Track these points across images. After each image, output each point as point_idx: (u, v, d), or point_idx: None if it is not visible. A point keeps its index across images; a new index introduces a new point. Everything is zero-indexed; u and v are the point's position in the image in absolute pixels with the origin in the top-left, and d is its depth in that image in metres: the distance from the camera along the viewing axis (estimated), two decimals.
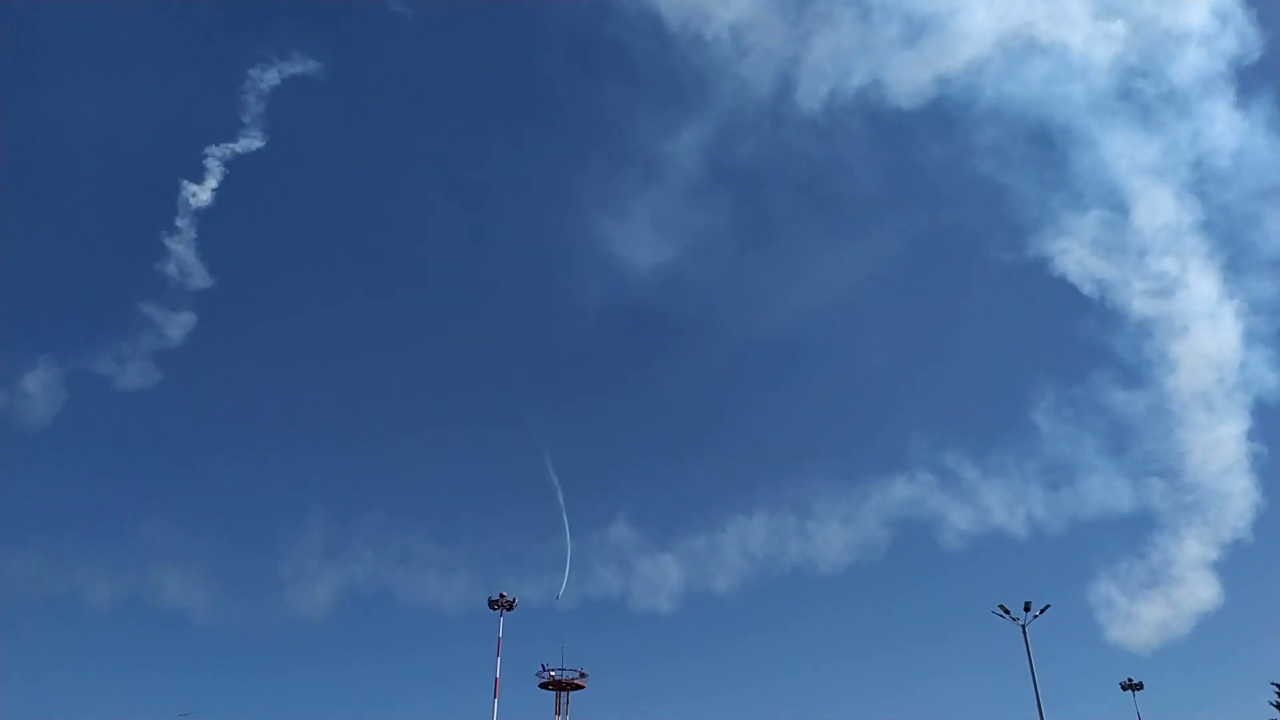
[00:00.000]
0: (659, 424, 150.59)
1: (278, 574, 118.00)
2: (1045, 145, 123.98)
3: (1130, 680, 66.33)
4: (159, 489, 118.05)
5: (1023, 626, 46.15)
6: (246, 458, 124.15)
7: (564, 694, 70.67)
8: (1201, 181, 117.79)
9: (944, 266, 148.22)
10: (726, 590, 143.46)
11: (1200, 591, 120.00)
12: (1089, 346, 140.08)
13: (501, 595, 67.75)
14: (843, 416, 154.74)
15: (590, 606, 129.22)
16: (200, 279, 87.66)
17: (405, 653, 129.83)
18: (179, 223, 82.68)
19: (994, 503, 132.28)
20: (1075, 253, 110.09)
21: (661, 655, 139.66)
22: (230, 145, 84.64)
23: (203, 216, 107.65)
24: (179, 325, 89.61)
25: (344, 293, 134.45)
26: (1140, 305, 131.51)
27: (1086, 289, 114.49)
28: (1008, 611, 46.97)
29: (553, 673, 70.50)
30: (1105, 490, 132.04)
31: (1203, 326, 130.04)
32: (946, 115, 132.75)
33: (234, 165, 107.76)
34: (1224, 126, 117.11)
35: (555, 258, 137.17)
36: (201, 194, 79.86)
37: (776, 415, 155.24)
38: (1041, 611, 46.67)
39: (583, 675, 71.55)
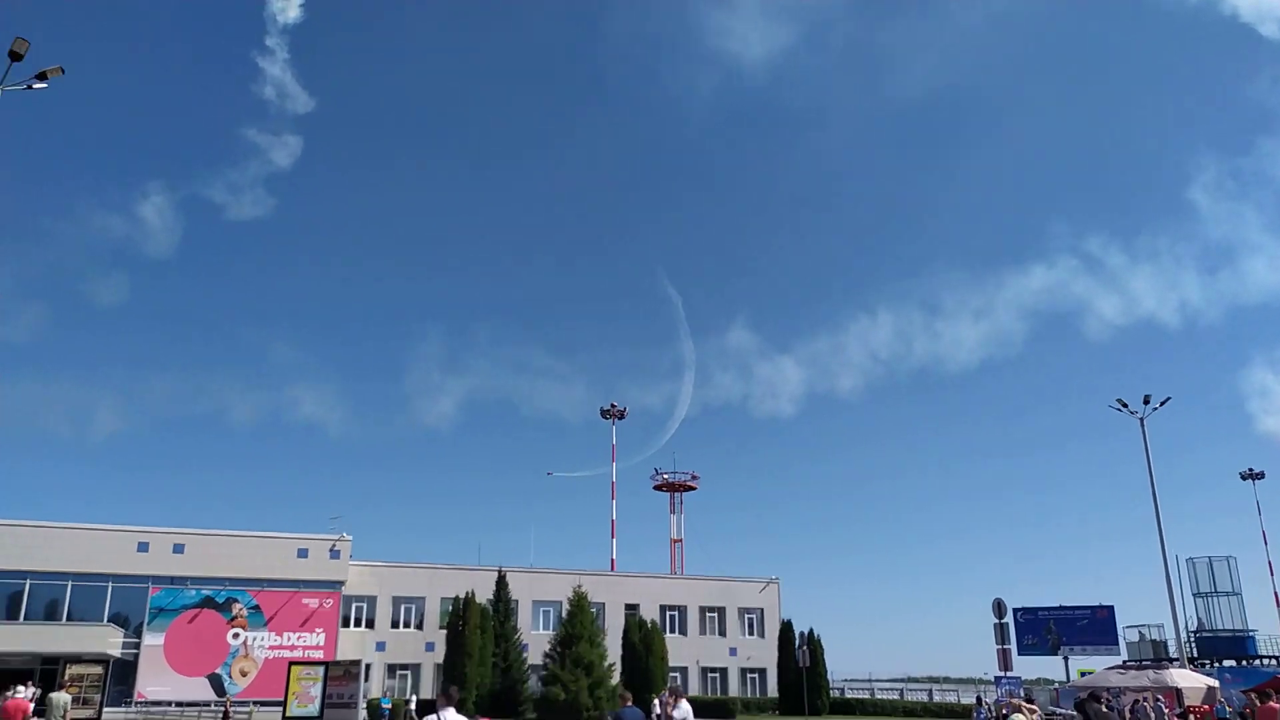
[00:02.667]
0: (775, 223, 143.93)
1: (403, 387, 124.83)
2: None
3: (1250, 470, 64.73)
4: (285, 312, 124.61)
5: (1140, 420, 45.23)
6: (364, 277, 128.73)
7: (677, 495, 74.39)
8: None
9: (1097, 25, 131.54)
10: (849, 392, 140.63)
11: None
12: (1259, 107, 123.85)
13: (613, 405, 70.19)
14: (975, 201, 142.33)
15: (710, 412, 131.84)
16: (301, 102, 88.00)
17: (529, 458, 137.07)
18: (269, 42, 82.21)
19: (1143, 289, 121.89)
20: None
21: (781, 458, 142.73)
22: None
23: (293, 34, 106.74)
24: (286, 150, 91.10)
25: (446, 101, 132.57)
26: None
27: (1265, 29, 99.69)
28: (1125, 405, 45.95)
29: (665, 476, 73.92)
30: (1270, 270, 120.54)
31: None
32: None
33: None
34: None
35: (660, 58, 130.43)
36: (289, 9, 78.41)
37: (901, 204, 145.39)
38: (1161, 404, 45.29)
39: (694, 478, 74.44)
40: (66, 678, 36.27)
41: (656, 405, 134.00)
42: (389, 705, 42.05)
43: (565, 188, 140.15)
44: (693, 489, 74.50)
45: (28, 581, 43.02)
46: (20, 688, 25.93)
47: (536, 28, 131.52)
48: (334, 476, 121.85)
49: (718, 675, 54.44)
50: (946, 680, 70.18)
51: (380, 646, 48.32)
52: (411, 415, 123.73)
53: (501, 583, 45.10)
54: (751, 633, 56.12)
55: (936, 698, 58.13)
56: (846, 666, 70.17)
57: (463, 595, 42.55)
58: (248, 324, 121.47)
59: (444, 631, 44.17)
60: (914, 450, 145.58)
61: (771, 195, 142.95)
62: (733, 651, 55.00)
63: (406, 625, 49.72)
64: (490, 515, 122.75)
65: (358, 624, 48.60)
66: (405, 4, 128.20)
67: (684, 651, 52.63)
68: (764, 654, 53.82)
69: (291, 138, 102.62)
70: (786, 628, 47.44)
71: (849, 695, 55.03)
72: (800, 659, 44.02)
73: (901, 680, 68.02)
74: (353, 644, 46.77)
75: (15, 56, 17.94)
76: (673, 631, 53.16)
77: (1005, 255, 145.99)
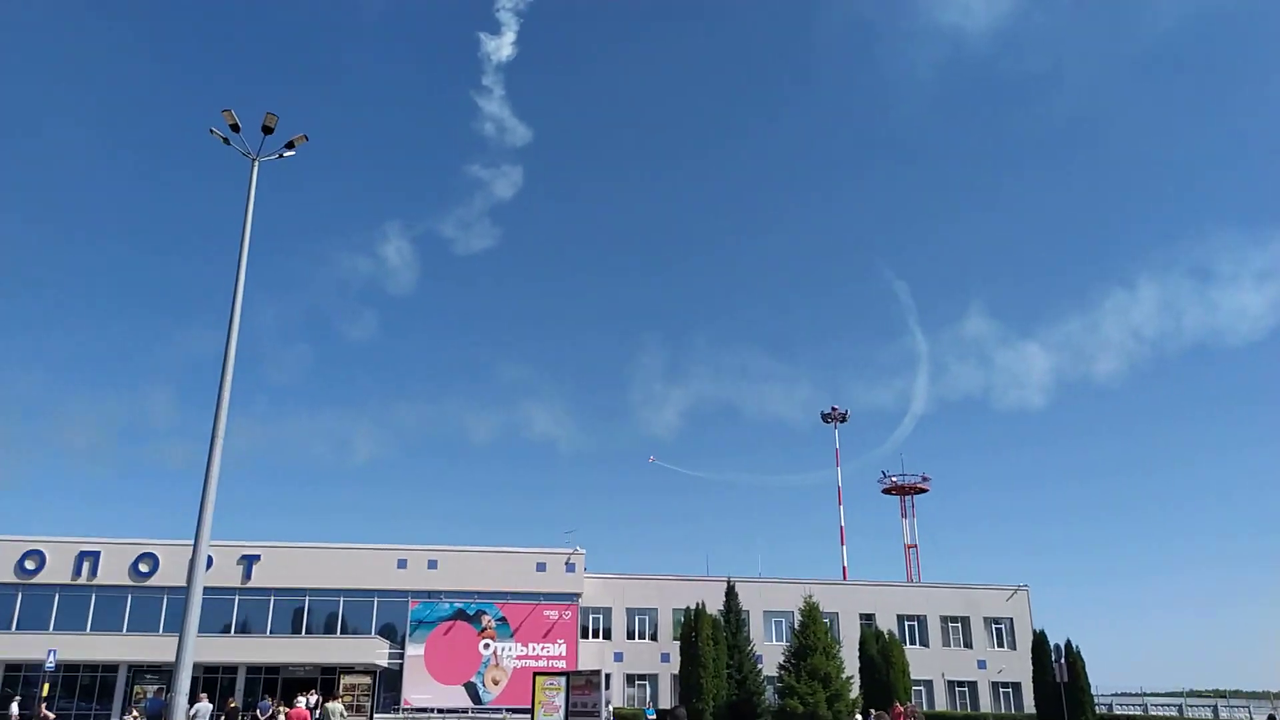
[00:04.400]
0: (1009, 198, 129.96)
1: (627, 399, 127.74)
2: None
3: None
4: (515, 334, 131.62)
5: None
6: (585, 294, 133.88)
7: (908, 498, 71.64)
8: None
9: None
10: (1108, 376, 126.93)
11: None
12: None
13: (834, 409, 68.98)
14: (1251, 145, 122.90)
15: (948, 408, 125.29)
16: (519, 134, 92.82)
17: (753, 464, 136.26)
18: (486, 80, 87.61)
19: None
20: None
21: (1029, 454, 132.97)
22: None
23: (507, 70, 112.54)
24: (508, 181, 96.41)
25: (655, 112, 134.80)
26: None
27: None
28: None
29: (894, 478, 71.43)
30: None
31: None
32: None
33: (528, 12, 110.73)
34: None
35: (875, 42, 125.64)
36: (503, 47, 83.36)
37: (1157, 159, 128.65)
38: None
39: (925, 479, 71.38)
40: (341, 688, 39.95)
41: (888, 403, 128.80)
42: (653, 716, 43.08)
43: (778, 185, 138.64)
44: (924, 491, 71.60)
45: (307, 598, 47.80)
46: (302, 696, 28.87)
47: (745, 27, 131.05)
48: (566, 489, 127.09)
49: (966, 689, 51.60)
50: (1236, 694, 62.86)
51: (618, 657, 49.63)
52: (636, 427, 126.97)
53: (731, 593, 45.02)
54: (1000, 644, 52.81)
55: (1223, 714, 52.23)
56: (1114, 679, 64.66)
57: (693, 606, 42.87)
58: (482, 348, 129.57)
59: (677, 642, 44.71)
60: (1187, 437, 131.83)
61: (1002, 169, 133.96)
62: (980, 664, 51.96)
63: (641, 636, 50.79)
64: (716, 523, 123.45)
65: (595, 635, 50.19)
66: (611, 23, 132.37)
67: (927, 664, 50.31)
68: (1016, 667, 50.43)
69: (511, 168, 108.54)
70: (1040, 639, 44.15)
71: (1118, 711, 50.43)
72: (1057, 673, 40.83)
73: (1181, 694, 61.63)
74: (592, 654, 48.35)
75: (267, 130, 19.95)
76: (912, 643, 51.01)
77: None
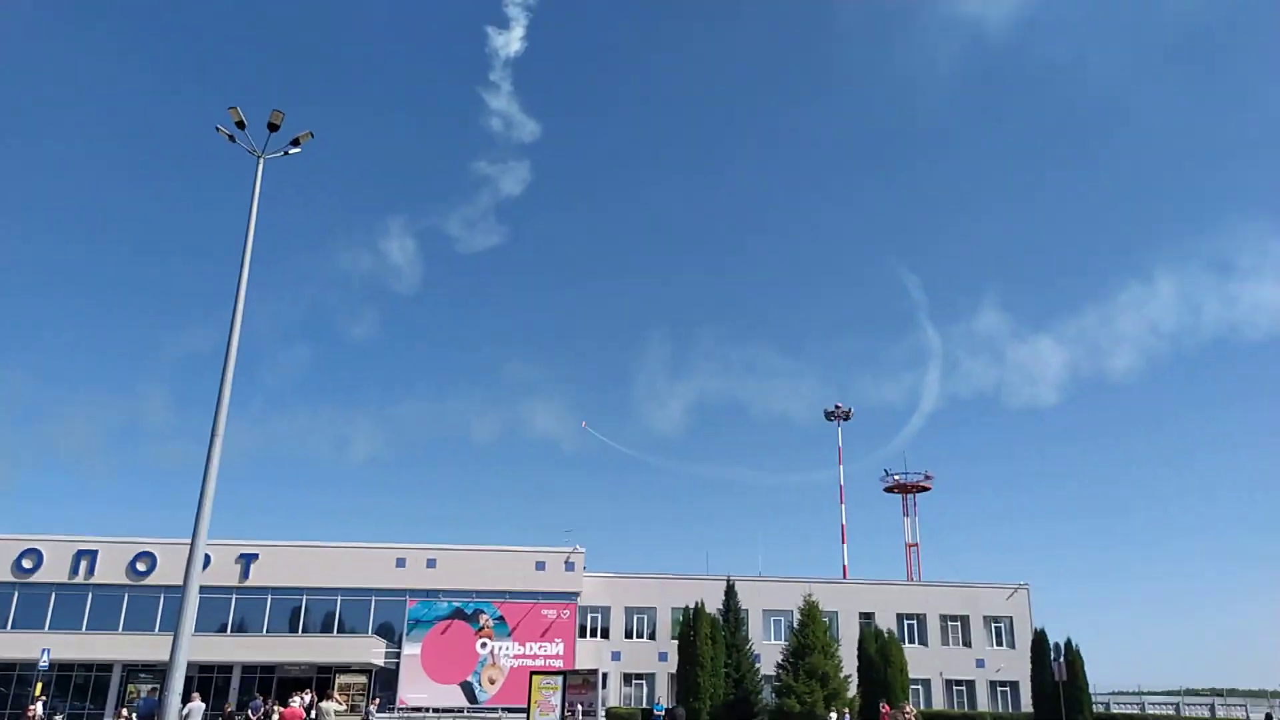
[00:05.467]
0: (1024, 189, 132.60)
1: (632, 396, 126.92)
2: None
3: None
4: (519, 332, 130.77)
5: None
6: (591, 293, 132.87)
7: (910, 497, 71.69)
8: None
9: None
10: (1123, 373, 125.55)
11: None
12: None
13: (837, 406, 68.94)
14: (1269, 136, 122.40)
15: (959, 404, 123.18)
16: (527, 130, 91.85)
17: (757, 460, 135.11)
18: (494, 76, 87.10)
19: None
20: None
21: (1039, 452, 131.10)
22: None
23: (515, 65, 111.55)
24: (515, 178, 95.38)
25: (665, 110, 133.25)
26: None
27: None
28: None
29: (896, 476, 71.41)
30: None
31: None
32: None
33: (538, 7, 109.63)
34: None
35: (893, 37, 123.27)
36: (511, 42, 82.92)
37: (1179, 149, 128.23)
38: None
39: (928, 478, 71.38)
40: (336, 687, 39.79)
41: (897, 400, 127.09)
42: (662, 712, 42.77)
43: (789, 180, 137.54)
44: (926, 489, 71.51)
45: (304, 597, 47.65)
46: (296, 696, 28.70)
47: (759, 22, 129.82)
48: (569, 488, 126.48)
49: (964, 689, 51.52)
50: (1232, 693, 62.85)
51: (616, 656, 49.51)
52: (639, 424, 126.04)
53: (730, 592, 44.98)
54: (999, 643, 52.74)
55: (1220, 713, 52.19)
56: (1112, 678, 64.53)
57: (693, 605, 42.80)
58: (485, 347, 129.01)
59: (676, 641, 44.63)
60: (1201, 433, 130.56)
61: (1020, 159, 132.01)
62: (979, 663, 51.90)
63: (640, 635, 50.65)
64: (718, 522, 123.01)
65: (593, 634, 50.05)
66: (622, 17, 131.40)
67: (925, 663, 50.24)
68: (1014, 666, 50.37)
69: (518, 164, 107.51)
70: (1040, 637, 44.15)
71: (1115, 710, 50.44)
72: (1056, 672, 40.79)
73: (1178, 693, 61.57)
74: (590, 653, 48.22)
75: (273, 128, 19.62)
76: (911, 641, 50.93)
77: None
